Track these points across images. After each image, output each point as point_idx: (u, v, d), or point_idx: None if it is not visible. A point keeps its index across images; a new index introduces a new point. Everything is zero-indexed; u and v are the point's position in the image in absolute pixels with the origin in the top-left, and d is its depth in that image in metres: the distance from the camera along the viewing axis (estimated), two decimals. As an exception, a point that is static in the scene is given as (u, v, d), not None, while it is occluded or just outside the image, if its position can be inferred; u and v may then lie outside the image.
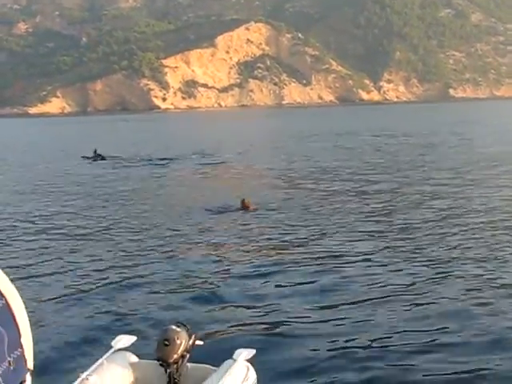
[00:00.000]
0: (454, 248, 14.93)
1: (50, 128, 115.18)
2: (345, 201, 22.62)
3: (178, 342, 5.65)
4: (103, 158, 41.69)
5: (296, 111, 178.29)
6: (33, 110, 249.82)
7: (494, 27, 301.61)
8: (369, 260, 14.23)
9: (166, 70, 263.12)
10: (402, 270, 13.29)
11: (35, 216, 21.86)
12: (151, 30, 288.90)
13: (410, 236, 16.52)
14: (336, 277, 12.93)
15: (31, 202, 25.14)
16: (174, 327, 5.77)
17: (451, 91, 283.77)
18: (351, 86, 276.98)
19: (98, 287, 12.81)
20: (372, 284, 12.41)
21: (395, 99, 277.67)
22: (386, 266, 13.72)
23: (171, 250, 15.84)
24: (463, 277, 12.51)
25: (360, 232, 17.23)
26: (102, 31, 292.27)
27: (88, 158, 42.40)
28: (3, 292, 1.13)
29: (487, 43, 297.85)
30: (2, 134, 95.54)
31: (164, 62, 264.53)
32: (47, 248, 16.64)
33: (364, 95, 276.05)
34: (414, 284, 12.30)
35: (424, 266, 13.49)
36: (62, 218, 21.27)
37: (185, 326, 5.87)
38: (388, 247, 15.42)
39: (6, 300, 1.11)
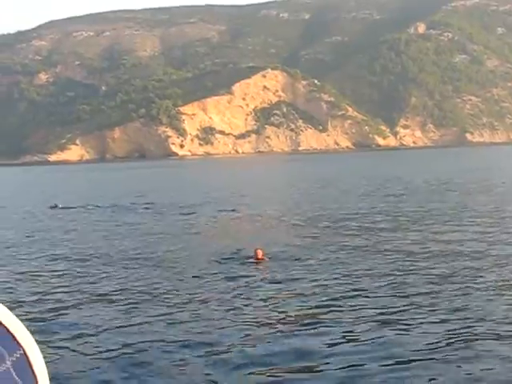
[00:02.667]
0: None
1: (63, 175, 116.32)
2: (360, 250, 22.63)
3: None
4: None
5: (313, 157, 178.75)
6: (52, 158, 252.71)
7: (510, 72, 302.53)
8: (387, 318, 14.19)
9: (184, 117, 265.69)
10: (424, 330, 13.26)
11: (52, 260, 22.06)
12: (169, 78, 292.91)
13: (436, 287, 16.31)
14: (346, 331, 13.03)
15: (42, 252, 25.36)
16: None
17: (468, 136, 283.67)
18: (367, 132, 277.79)
19: (111, 332, 13.05)
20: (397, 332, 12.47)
21: (412, 144, 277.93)
22: (404, 321, 13.70)
23: (178, 301, 15.96)
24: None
25: (377, 284, 17.18)
26: (121, 80, 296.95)
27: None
28: (20, 342, 1.02)
29: (503, 88, 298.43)
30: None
31: (181, 109, 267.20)
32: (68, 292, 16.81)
33: (380, 141, 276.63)
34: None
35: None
36: (72, 268, 21.45)
37: None
38: (403, 294, 15.42)
39: (23, 350, 1.01)
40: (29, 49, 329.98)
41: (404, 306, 14.61)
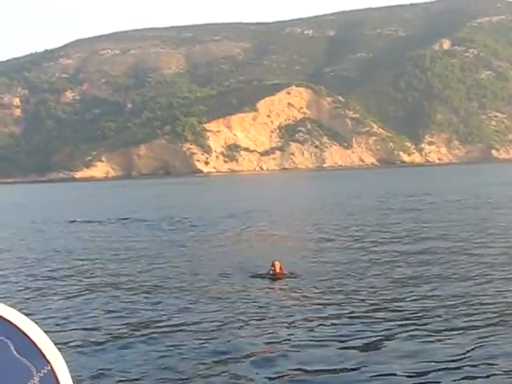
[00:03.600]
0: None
1: (91, 192, 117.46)
2: (384, 267, 22.76)
3: None
4: None
5: (338, 174, 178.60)
6: (78, 175, 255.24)
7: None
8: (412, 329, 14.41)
9: (209, 134, 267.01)
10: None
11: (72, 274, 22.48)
12: (194, 95, 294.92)
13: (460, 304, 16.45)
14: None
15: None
16: None
17: (494, 152, 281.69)
18: (392, 149, 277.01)
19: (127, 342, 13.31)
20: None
21: (437, 161, 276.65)
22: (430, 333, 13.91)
23: (194, 317, 16.16)
24: None
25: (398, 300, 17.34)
26: (146, 97, 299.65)
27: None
28: (48, 358, 1.07)
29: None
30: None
31: (206, 126, 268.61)
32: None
33: (405, 157, 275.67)
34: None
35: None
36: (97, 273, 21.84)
37: None
38: (427, 311, 15.59)
39: (51, 366, 1.07)
40: (56, 67, 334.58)
41: (430, 321, 14.74)
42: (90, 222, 46.38)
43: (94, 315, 16.55)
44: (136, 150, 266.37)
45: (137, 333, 14.65)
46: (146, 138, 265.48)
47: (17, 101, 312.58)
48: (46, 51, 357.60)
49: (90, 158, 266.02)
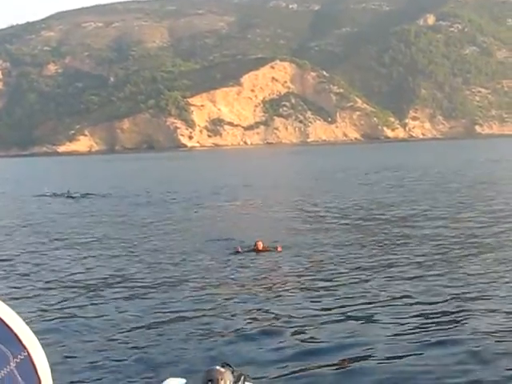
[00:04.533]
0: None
1: (74, 167, 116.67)
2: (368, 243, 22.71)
3: (222, 383, 5.20)
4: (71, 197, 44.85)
5: (321, 149, 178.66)
6: (61, 149, 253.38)
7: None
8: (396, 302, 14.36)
9: (193, 108, 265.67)
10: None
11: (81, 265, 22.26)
12: (178, 69, 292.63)
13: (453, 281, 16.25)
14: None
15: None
16: (218, 368, 5.33)
17: (477, 128, 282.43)
18: (376, 124, 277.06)
19: (129, 331, 13.06)
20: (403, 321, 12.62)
21: (421, 136, 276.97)
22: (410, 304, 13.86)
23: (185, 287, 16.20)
24: None
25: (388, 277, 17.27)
26: (130, 71, 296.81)
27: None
28: (25, 343, 1.06)
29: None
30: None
31: (190, 100, 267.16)
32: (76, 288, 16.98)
33: (389, 132, 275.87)
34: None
35: None
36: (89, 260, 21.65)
37: (230, 366, 5.42)
38: (408, 285, 15.51)
39: (28, 352, 1.06)
40: (38, 39, 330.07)
41: (419, 292, 14.73)
42: (70, 197, 45.86)
43: (72, 306, 16.16)
44: (119, 124, 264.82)
45: (115, 316, 14.45)
46: (129, 112, 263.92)
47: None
48: (28, 23, 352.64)
49: (73, 131, 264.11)
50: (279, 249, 20.79)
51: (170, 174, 74.36)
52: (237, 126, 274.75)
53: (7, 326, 1.03)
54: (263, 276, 17.63)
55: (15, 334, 1.04)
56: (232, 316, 13.61)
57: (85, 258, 21.53)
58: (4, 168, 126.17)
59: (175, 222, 30.29)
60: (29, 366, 1.03)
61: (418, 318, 12.88)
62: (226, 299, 15.05)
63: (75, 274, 18.96)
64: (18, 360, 1.04)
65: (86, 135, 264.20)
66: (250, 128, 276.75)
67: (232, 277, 17.61)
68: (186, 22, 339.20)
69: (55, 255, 22.26)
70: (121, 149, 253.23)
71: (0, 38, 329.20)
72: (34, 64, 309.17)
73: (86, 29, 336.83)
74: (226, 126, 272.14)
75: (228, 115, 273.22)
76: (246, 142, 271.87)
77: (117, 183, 60.11)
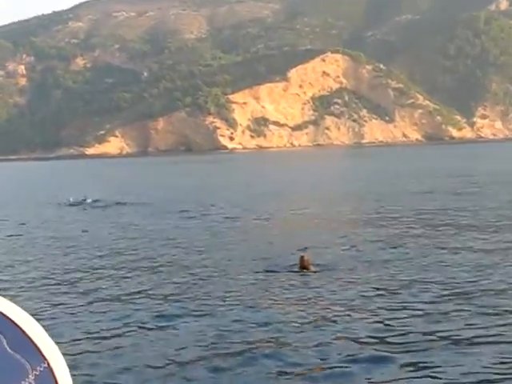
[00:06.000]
0: None
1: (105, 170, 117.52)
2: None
3: None
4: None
5: (378, 151, 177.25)
6: (90, 151, 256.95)
7: None
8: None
9: (234, 106, 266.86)
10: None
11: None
12: (217, 63, 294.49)
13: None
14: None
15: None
16: None
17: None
18: (440, 123, 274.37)
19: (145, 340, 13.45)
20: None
21: (491, 136, 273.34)
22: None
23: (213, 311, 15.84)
24: None
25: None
26: (165, 65, 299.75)
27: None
28: (45, 354, 1.01)
29: None
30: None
31: (231, 97, 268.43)
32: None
33: (454, 132, 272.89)
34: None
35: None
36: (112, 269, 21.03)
37: None
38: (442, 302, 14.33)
39: (48, 363, 0.99)
40: (65, 31, 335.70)
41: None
42: (100, 205, 45.68)
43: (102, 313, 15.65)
44: (153, 124, 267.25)
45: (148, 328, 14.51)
46: (164, 111, 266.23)
47: (22, 69, 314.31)
48: (54, 13, 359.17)
49: (102, 132, 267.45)
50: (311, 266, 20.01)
51: (208, 180, 74.15)
52: (283, 125, 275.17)
53: (26, 334, 1.01)
54: (310, 297, 16.89)
55: (34, 344, 1.03)
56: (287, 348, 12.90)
57: (121, 274, 21.02)
58: (26, 172, 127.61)
59: (215, 234, 29.60)
60: (49, 378, 1.00)
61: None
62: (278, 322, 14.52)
63: (106, 288, 18.96)
64: (37, 372, 1.01)
65: (116, 136, 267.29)
66: (297, 128, 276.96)
67: (275, 297, 17.18)
68: (227, 11, 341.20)
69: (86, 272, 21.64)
70: (154, 151, 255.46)
71: (24, 29, 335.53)
72: (61, 58, 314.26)
73: (117, 19, 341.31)
74: (271, 126, 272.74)
75: (273, 114, 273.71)
76: (293, 144, 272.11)
77: (150, 190, 59.95)
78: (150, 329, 14.87)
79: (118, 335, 14.48)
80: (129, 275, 21.11)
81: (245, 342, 13.48)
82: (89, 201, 46.43)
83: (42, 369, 1.02)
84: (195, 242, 27.38)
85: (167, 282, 19.80)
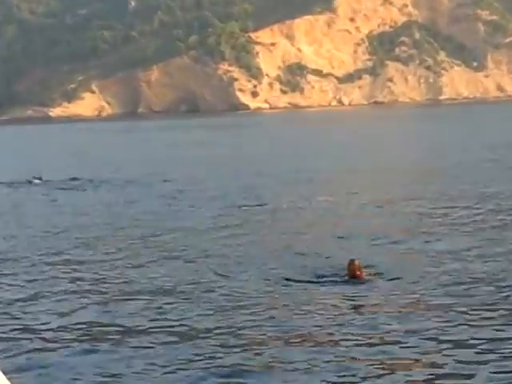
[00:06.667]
0: None
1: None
2: None
3: None
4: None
5: (463, 111, 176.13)
6: (56, 112, 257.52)
7: None
8: None
9: (258, 48, 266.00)
10: None
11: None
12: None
13: None
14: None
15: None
16: None
17: None
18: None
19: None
20: None
21: None
22: None
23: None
24: None
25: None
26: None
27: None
28: None
29: None
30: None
31: (254, 36, 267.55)
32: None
33: None
34: None
35: None
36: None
37: None
38: None
39: None
40: None
41: None
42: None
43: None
44: (144, 75, 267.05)
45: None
46: (159, 56, 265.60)
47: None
48: None
49: (72, 86, 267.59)
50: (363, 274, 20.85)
51: (223, 154, 74.61)
52: (327, 75, 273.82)
53: None
54: (363, 314, 18.11)
55: None
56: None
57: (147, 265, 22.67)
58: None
59: (240, 224, 30.72)
60: None
61: None
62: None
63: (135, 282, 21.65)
64: None
65: (92, 91, 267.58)
66: (347, 79, 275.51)
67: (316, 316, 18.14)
68: None
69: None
70: (146, 112, 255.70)
71: None
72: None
73: None
74: (311, 77, 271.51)
75: (313, 59, 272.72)
76: (341, 101, 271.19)
77: (145, 167, 61.05)
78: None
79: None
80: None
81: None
82: (37, 181, 50.96)
83: None
84: (212, 242, 28.33)
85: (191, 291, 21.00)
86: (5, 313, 20.02)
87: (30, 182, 50.86)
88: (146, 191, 45.19)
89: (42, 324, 18.76)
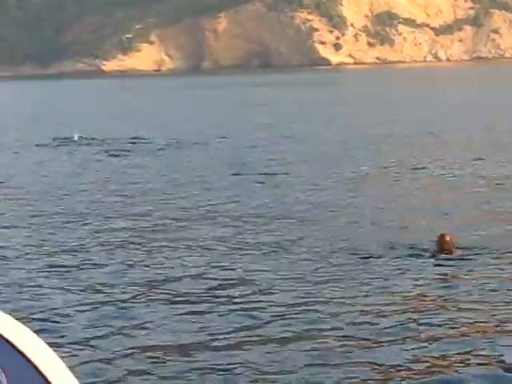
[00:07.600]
0: None
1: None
2: None
3: None
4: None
5: None
6: (109, 66, 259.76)
7: None
8: None
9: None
10: None
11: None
12: None
13: None
14: None
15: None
16: None
17: None
18: None
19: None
20: None
21: None
22: None
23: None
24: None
25: None
26: None
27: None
28: (23, 350, 1.38)
29: None
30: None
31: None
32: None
33: None
34: None
35: None
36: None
37: None
38: None
39: (27, 358, 1.32)
40: None
41: None
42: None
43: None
44: (210, 24, 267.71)
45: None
46: (228, 1, 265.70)
47: None
48: None
49: (129, 35, 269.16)
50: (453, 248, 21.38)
51: (297, 113, 74.86)
52: (421, 26, 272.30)
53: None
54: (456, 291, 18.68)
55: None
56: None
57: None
58: (11, 97, 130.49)
59: (314, 203, 31.11)
60: (31, 373, 1.32)
61: None
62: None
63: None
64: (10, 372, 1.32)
65: (151, 42, 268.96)
66: (445, 30, 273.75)
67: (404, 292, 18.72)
68: None
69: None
70: (212, 66, 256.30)
71: None
72: None
73: None
74: (402, 27, 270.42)
75: (405, 7, 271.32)
76: (437, 56, 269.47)
77: (213, 129, 61.72)
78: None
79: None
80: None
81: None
82: (75, 138, 54.53)
83: (20, 366, 1.47)
84: (284, 212, 28.93)
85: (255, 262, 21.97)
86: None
87: (73, 141, 53.70)
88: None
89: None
